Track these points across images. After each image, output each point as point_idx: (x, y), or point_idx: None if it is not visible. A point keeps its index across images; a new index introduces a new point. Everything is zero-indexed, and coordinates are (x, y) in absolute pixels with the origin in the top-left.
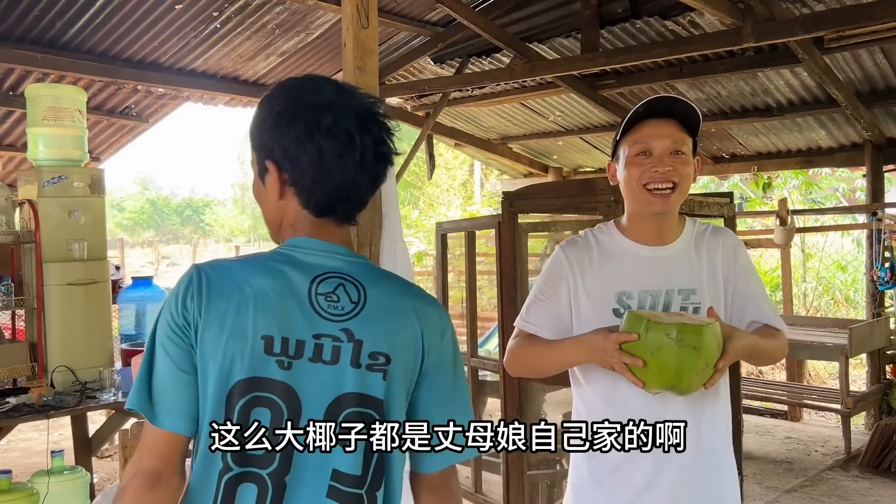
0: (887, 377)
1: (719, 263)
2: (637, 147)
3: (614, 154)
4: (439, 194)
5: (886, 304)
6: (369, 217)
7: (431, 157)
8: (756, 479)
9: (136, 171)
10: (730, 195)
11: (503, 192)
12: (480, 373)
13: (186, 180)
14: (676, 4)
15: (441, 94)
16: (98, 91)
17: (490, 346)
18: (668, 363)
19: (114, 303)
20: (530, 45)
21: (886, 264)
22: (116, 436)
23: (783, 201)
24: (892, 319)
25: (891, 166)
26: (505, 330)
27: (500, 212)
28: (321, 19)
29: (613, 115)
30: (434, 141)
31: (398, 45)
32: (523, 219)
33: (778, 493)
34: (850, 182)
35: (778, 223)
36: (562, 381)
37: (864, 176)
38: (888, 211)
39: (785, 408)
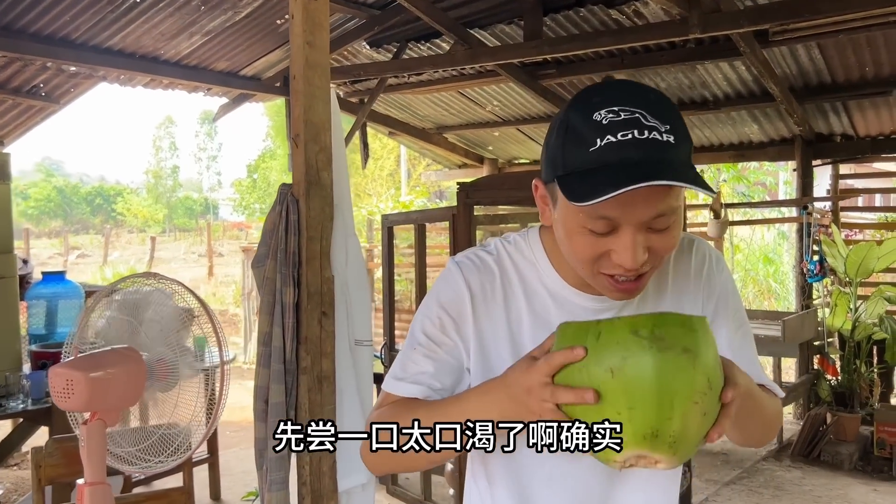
0: (815, 367)
1: (690, 299)
2: (592, 219)
3: (546, 180)
4: (367, 184)
5: (814, 296)
6: (319, 209)
7: (366, 145)
8: (695, 472)
9: (40, 157)
10: None
11: (458, 183)
12: None
13: (96, 167)
14: None
15: (377, 81)
16: (1, 67)
17: None
18: (644, 382)
19: (21, 300)
20: (471, 31)
21: (815, 257)
22: (26, 444)
23: (717, 194)
24: (819, 311)
25: (819, 161)
26: None
27: (438, 204)
28: None
29: (552, 106)
30: (367, 129)
31: (331, 26)
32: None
33: (718, 485)
34: (775, 176)
35: (712, 216)
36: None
37: (794, 170)
38: (816, 205)
39: None
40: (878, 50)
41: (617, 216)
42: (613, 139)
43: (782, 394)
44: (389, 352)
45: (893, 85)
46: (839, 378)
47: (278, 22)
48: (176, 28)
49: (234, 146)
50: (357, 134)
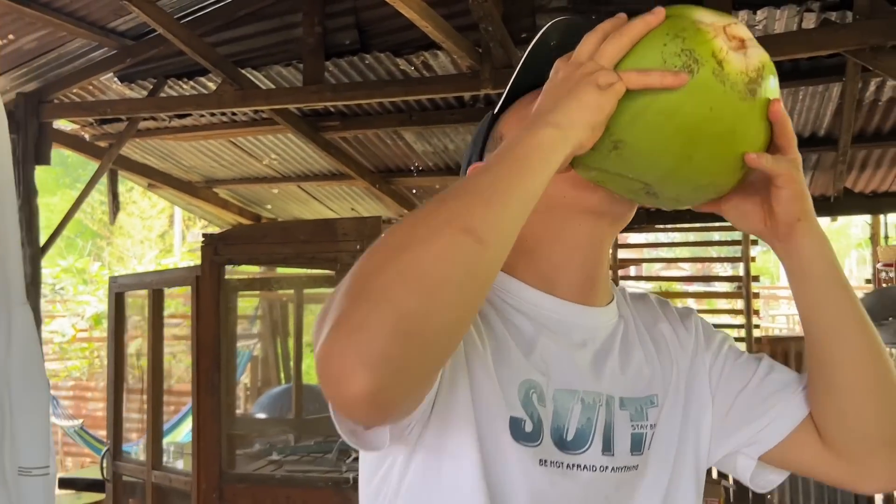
0: None
1: (673, 347)
2: None
3: (480, 146)
4: (131, 246)
5: None
6: None
7: (115, 197)
8: None
9: None
10: None
11: (204, 235)
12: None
13: None
14: (409, 42)
15: (128, 121)
16: None
17: (179, 436)
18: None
19: None
20: (243, 71)
21: None
22: None
23: None
24: None
25: None
26: (201, 426)
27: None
28: None
29: (337, 163)
30: (121, 180)
31: (73, 55)
32: (234, 273)
33: None
34: None
35: None
36: None
37: None
38: None
39: None
40: None
41: None
42: None
43: None
44: (114, 461)
45: None
46: None
47: None
48: None
49: None
50: (106, 184)
